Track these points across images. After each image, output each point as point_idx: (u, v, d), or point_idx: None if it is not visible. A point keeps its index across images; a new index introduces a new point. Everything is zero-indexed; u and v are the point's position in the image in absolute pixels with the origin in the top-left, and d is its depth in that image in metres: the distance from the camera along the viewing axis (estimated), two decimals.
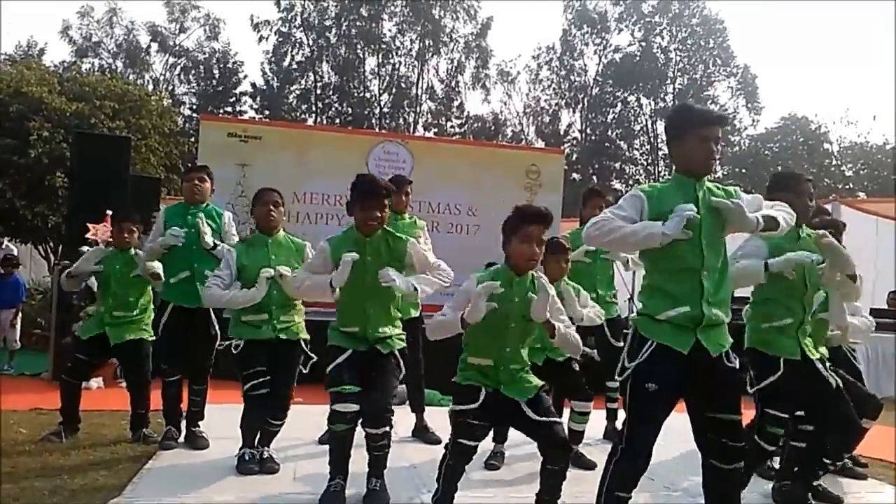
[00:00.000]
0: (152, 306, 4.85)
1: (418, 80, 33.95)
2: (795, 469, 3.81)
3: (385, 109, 33.70)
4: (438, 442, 4.49)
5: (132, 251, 4.76)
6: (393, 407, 3.53)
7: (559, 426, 3.15)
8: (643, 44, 34.34)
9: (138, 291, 4.78)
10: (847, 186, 29.70)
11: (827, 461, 3.79)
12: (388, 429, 3.46)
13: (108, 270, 4.75)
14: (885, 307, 9.43)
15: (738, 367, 2.75)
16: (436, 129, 33.01)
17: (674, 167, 2.87)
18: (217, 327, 4.58)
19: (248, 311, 4.04)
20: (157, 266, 4.47)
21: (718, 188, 2.77)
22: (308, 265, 3.72)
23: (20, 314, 8.28)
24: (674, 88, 34.50)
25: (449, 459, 3.15)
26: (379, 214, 3.52)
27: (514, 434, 4.27)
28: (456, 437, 3.11)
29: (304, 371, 4.24)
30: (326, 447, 3.62)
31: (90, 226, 7.01)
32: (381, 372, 3.57)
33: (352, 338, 3.58)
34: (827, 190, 26.32)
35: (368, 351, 3.57)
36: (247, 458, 4.03)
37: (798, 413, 3.72)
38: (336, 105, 33.91)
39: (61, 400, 4.77)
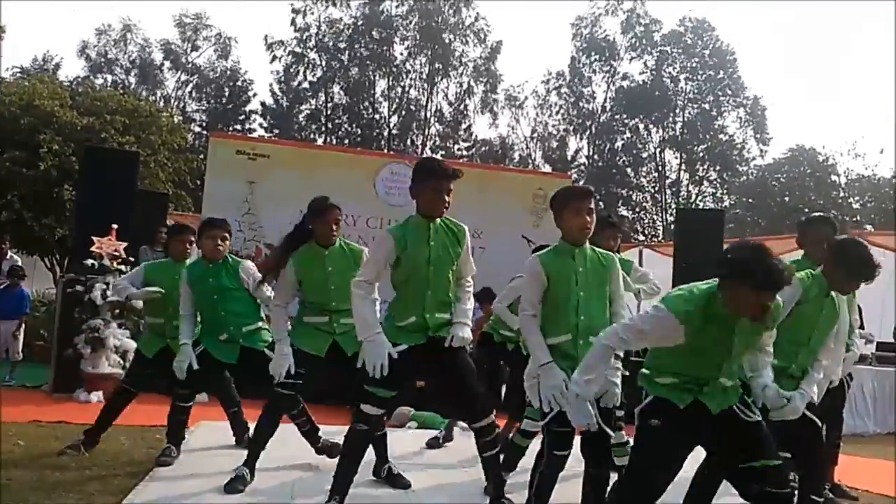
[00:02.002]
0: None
1: (427, 102, 34.16)
2: None
3: (394, 131, 33.88)
4: None
5: (188, 262, 4.77)
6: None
7: (609, 438, 3.18)
8: (653, 72, 34.52)
9: None
10: (854, 219, 29.64)
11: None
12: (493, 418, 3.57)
13: (167, 283, 4.68)
14: (893, 341, 9.35)
15: (758, 419, 2.73)
16: (444, 152, 33.13)
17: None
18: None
19: (310, 313, 4.12)
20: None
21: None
22: (372, 262, 3.60)
23: (23, 326, 8.28)
24: (683, 118, 34.64)
25: (543, 468, 3.21)
26: (448, 197, 3.47)
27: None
28: (551, 449, 3.18)
29: None
30: (318, 467, 3.56)
31: (95, 239, 7.05)
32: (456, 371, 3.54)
33: (409, 331, 3.48)
34: None
35: (427, 342, 3.48)
36: (235, 475, 4.00)
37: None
38: (346, 126, 34.08)
39: (106, 404, 4.84)
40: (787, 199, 31.01)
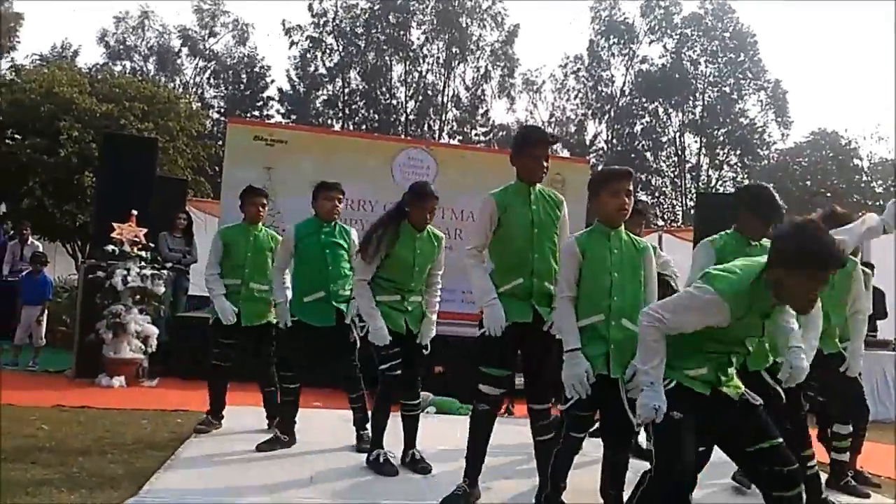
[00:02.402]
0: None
1: (444, 87, 34.02)
2: None
3: (411, 116, 33.80)
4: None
5: (260, 225, 5.05)
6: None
7: (631, 425, 3.16)
8: (673, 55, 34.14)
9: (271, 260, 4.95)
10: (877, 203, 29.22)
11: None
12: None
13: (243, 244, 4.93)
14: None
15: (759, 403, 2.69)
16: (461, 137, 33.02)
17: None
18: (357, 335, 4.59)
19: (384, 292, 4.18)
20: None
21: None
22: (479, 227, 3.66)
23: (46, 311, 8.36)
24: (703, 101, 34.28)
25: (560, 449, 3.25)
26: (546, 163, 3.59)
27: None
28: (568, 431, 3.23)
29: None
30: (340, 453, 3.58)
31: (115, 225, 7.10)
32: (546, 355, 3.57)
33: (515, 297, 3.52)
34: (856, 206, 25.90)
35: (532, 321, 3.51)
36: (381, 460, 4.15)
37: None
38: (362, 111, 34.04)
39: (210, 387, 4.98)
40: (808, 183, 30.63)
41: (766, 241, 4.07)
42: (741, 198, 3.81)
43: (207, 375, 5.09)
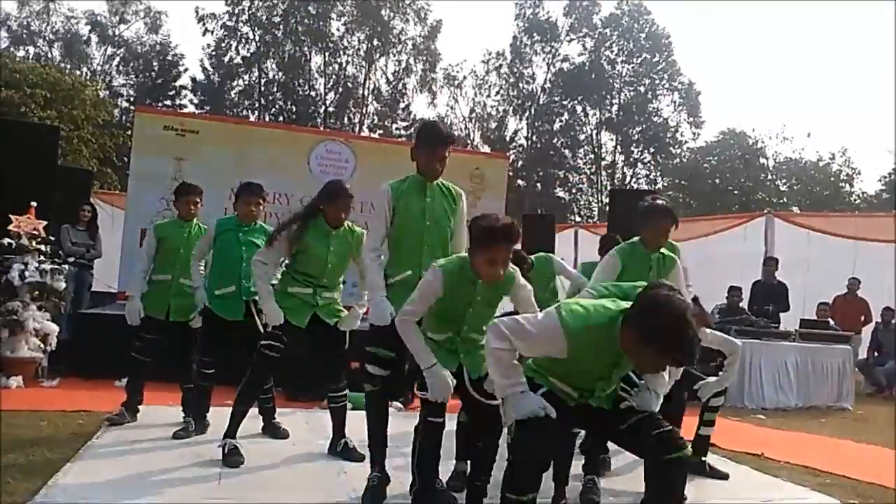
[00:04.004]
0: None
1: (365, 80, 33.82)
2: None
3: (330, 109, 33.45)
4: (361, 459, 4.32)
5: (195, 221, 5.02)
6: None
7: (496, 406, 3.12)
8: (592, 54, 34.89)
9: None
10: (781, 201, 30.61)
11: None
12: None
13: (176, 241, 4.90)
14: (815, 318, 9.68)
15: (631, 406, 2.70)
16: (381, 131, 32.89)
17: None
18: (259, 324, 4.57)
19: (297, 284, 4.19)
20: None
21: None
22: (378, 220, 3.70)
23: None
24: (619, 100, 35.15)
25: (420, 439, 3.23)
26: (439, 165, 3.68)
27: None
28: (426, 416, 3.21)
29: None
30: (250, 450, 3.48)
31: (13, 217, 6.75)
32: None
33: (403, 287, 3.45)
34: (761, 203, 27.05)
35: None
36: (227, 449, 4.10)
37: None
38: (280, 102, 33.52)
39: (128, 380, 5.00)
40: (717, 181, 31.85)
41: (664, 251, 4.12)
42: (640, 216, 4.03)
43: (128, 368, 5.04)
